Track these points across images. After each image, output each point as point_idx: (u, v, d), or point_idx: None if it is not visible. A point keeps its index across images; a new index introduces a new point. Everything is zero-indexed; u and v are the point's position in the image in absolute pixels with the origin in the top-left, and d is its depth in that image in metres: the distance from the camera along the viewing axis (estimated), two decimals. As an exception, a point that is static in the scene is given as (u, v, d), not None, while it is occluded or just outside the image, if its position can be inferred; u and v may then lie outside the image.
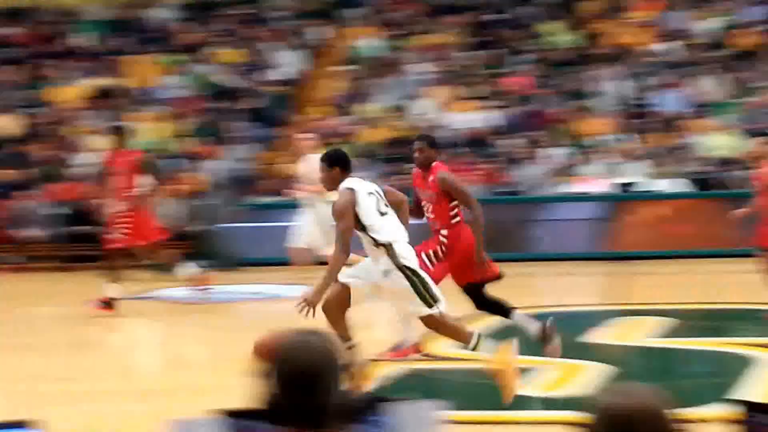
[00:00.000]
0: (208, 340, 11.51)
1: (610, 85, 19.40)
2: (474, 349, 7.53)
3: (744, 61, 19.23)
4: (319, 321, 7.06)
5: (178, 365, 10.36)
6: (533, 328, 8.62)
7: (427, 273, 7.74)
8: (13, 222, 17.98)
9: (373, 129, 19.23)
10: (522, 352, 7.62)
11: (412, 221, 8.10)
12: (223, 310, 13.40)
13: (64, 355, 10.71)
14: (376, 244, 7.43)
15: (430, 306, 7.39)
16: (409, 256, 7.48)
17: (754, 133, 14.52)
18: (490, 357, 7.41)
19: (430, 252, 8.51)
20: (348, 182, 7.54)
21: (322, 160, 7.79)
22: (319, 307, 7.37)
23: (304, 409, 2.44)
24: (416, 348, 8.96)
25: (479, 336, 7.56)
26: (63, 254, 17.66)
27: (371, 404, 2.96)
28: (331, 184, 7.69)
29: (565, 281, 15.82)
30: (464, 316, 8.84)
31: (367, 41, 21.55)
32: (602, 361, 8.80)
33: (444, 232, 8.60)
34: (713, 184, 17.36)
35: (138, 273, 14.26)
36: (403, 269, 7.39)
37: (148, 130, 19.29)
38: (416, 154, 8.82)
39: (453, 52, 20.78)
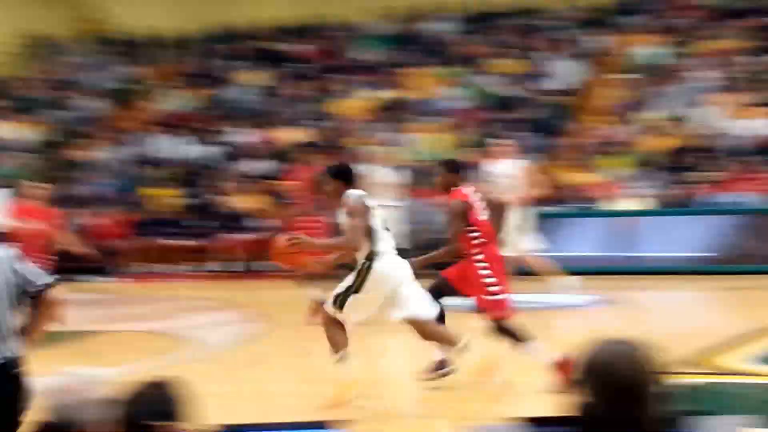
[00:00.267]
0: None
1: None
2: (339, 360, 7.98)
3: None
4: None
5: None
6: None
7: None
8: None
9: (654, 137, 18.89)
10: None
11: None
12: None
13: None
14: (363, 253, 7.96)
15: (334, 304, 8.02)
16: (385, 273, 7.95)
17: None
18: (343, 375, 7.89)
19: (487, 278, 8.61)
20: (353, 192, 8.03)
21: (326, 172, 8.23)
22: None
23: (623, 419, 2.49)
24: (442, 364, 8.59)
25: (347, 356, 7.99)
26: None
27: (678, 418, 2.98)
28: (334, 195, 8.10)
29: None
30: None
31: (647, 48, 21.19)
32: None
33: (477, 256, 8.64)
34: None
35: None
36: (359, 274, 7.96)
37: (428, 141, 19.79)
38: (437, 179, 9.06)
39: (737, 58, 20.10)
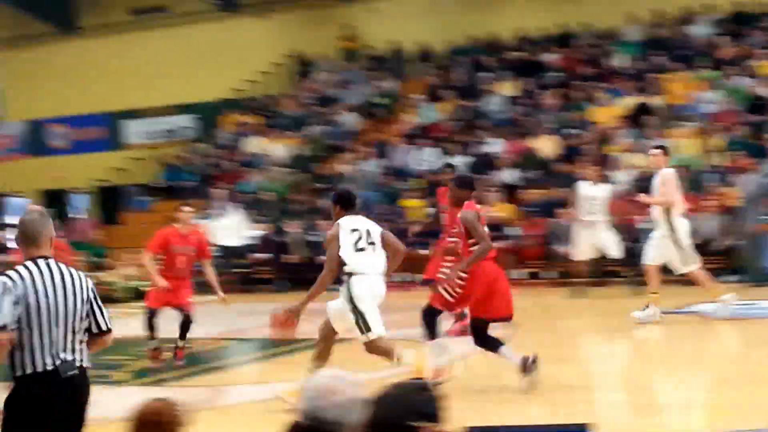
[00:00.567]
0: (734, 355, 11.31)
1: None
2: (399, 361, 8.95)
3: None
4: None
5: (697, 379, 10.25)
6: (515, 360, 9.32)
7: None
8: (553, 238, 18.73)
9: None
10: None
11: None
12: (751, 325, 13.04)
13: (599, 366, 11.04)
14: (343, 272, 8.92)
15: (362, 333, 9.04)
16: (363, 292, 8.91)
17: None
18: (411, 364, 8.85)
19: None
20: (343, 219, 9.03)
21: (331, 196, 9.52)
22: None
23: None
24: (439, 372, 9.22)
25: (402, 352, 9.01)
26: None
27: None
28: (334, 218, 9.19)
29: None
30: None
31: None
32: None
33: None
34: None
35: (674, 288, 14.34)
36: (350, 301, 8.95)
37: (684, 146, 19.29)
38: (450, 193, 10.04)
39: None
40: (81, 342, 5.31)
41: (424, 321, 10.06)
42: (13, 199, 30.13)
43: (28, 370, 5.07)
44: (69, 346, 5.23)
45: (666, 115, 20.89)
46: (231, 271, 20.66)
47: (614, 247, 16.40)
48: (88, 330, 5.35)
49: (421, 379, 2.82)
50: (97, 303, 5.38)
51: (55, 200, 28.06)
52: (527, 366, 9.31)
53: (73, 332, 5.26)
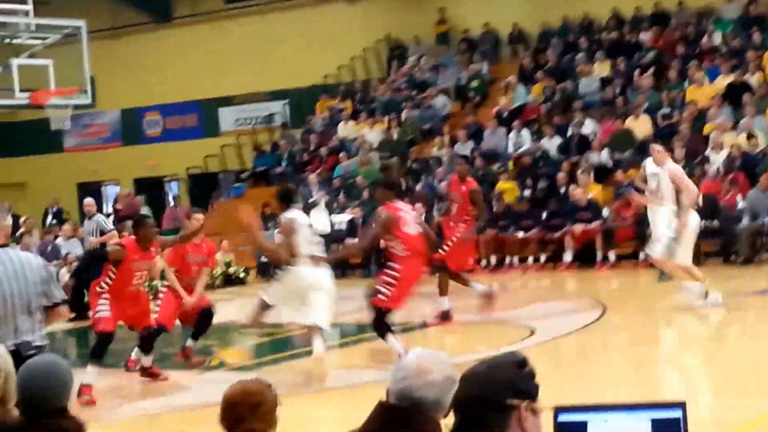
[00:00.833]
0: None
1: None
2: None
3: None
4: None
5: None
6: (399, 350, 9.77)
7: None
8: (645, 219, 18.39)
9: None
10: None
11: None
12: None
13: (689, 346, 10.85)
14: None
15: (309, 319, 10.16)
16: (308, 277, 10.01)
17: None
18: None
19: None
20: (291, 212, 10.13)
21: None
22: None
23: None
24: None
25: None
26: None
27: None
28: (278, 212, 10.48)
29: None
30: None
31: None
32: None
33: (394, 264, 10.34)
34: None
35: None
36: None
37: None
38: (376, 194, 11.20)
39: None
40: (39, 322, 5.92)
41: (377, 324, 10.42)
42: (109, 187, 30.77)
43: None
44: (28, 327, 5.79)
45: (763, 93, 20.37)
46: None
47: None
48: (45, 306, 5.96)
49: (517, 354, 2.74)
50: (49, 279, 6.06)
51: (149, 188, 28.52)
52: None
53: (30, 314, 5.81)
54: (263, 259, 21.47)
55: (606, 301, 13.79)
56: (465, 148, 22.65)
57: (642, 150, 20.37)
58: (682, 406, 3.01)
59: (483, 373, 2.91)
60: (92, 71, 18.17)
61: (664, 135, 20.34)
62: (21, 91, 17.34)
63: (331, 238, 21.05)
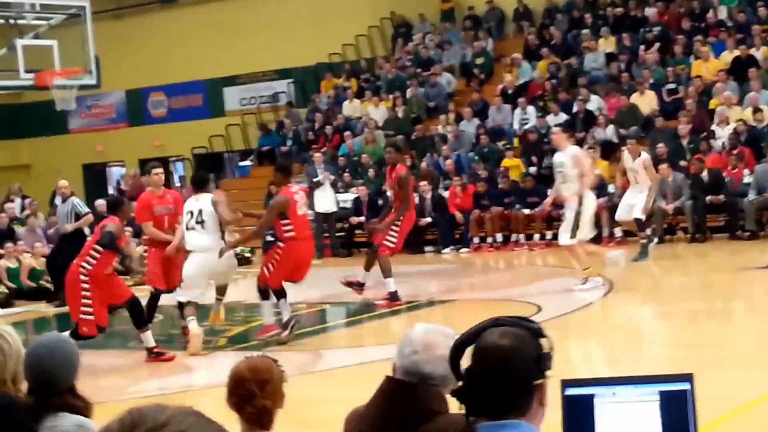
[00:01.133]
0: None
1: None
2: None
3: None
4: None
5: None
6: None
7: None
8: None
9: None
10: None
11: None
12: None
13: (698, 322, 10.85)
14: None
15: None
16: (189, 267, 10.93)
17: None
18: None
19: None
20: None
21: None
22: None
23: None
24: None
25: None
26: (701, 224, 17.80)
27: None
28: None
29: None
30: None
31: None
32: None
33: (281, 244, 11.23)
34: None
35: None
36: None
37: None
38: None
39: None
40: None
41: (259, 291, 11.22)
42: (115, 168, 30.78)
43: None
44: None
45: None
46: (329, 235, 20.81)
47: (638, 209, 15.90)
48: None
49: (532, 322, 2.66)
50: None
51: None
52: (290, 325, 10.86)
53: None
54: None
55: (612, 278, 13.79)
56: (470, 125, 22.61)
57: (648, 126, 20.36)
58: (690, 378, 3.01)
59: (508, 350, 2.74)
60: (97, 52, 18.14)
61: (670, 110, 20.31)
62: (26, 72, 17.33)
63: (337, 217, 21.10)
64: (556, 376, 2.78)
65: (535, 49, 24.18)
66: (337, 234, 21.03)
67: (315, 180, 20.59)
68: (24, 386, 4.14)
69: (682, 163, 18.62)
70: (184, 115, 29.57)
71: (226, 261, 11.20)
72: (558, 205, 14.45)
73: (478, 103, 23.30)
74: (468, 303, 13.19)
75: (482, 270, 17.26)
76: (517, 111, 22.25)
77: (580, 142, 20.03)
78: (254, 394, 4.12)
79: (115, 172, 30.77)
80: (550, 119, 21.47)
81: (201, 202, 10.99)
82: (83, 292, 10.27)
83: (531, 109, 22.09)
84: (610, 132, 20.50)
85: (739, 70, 20.35)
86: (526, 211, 19.39)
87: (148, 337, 10.66)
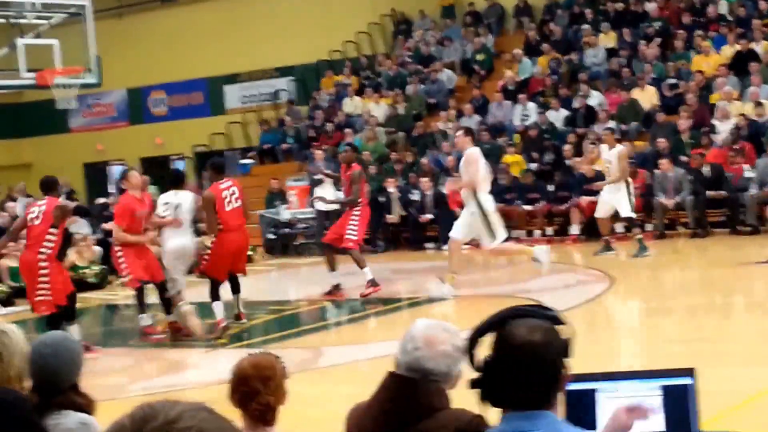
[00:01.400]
0: None
1: None
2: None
3: None
4: None
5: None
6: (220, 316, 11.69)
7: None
8: (652, 189, 18.38)
9: None
10: None
11: None
12: None
13: (698, 317, 10.85)
14: None
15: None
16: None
17: None
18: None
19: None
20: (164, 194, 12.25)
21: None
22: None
23: None
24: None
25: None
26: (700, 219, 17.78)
27: None
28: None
29: None
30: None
31: None
32: None
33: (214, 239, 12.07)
34: None
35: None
36: None
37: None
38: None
39: None
40: None
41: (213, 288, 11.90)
42: (115, 167, 30.77)
43: None
44: None
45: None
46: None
47: (625, 208, 16.01)
48: None
49: (549, 308, 2.61)
50: None
51: (156, 167, 28.51)
52: (225, 328, 11.52)
53: None
54: (270, 236, 21.51)
55: (613, 273, 13.79)
56: (471, 121, 22.59)
57: (648, 121, 20.35)
58: (692, 372, 3.02)
59: (540, 346, 2.76)
60: (97, 50, 18.14)
61: (671, 105, 20.30)
62: (27, 71, 17.33)
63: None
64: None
65: (535, 44, 24.16)
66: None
67: (316, 178, 20.57)
68: (28, 384, 4.15)
69: (683, 158, 18.62)
70: (185, 114, 29.56)
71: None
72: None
73: (479, 99, 23.29)
74: (469, 299, 13.19)
75: (483, 266, 17.25)
76: (518, 107, 22.25)
77: (581, 138, 20.06)
78: (258, 390, 4.13)
79: (115, 171, 30.76)
80: (551, 115, 21.48)
81: (179, 198, 12.03)
82: (41, 278, 10.87)
83: (532, 105, 22.09)
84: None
85: (739, 65, 20.33)
86: (527, 207, 19.40)
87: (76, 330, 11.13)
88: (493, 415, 2.94)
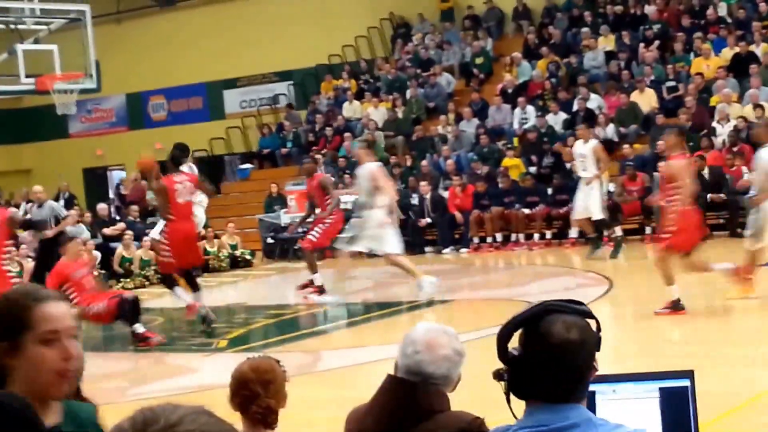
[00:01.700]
0: None
1: None
2: None
3: None
4: None
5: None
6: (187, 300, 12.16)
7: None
8: (651, 192, 18.37)
9: None
10: None
11: None
12: None
13: (697, 319, 10.86)
14: None
15: None
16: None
17: None
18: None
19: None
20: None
21: None
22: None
23: None
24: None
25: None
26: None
27: None
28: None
29: None
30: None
31: None
32: None
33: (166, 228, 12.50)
34: None
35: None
36: None
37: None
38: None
39: None
40: None
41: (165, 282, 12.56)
42: (115, 172, 30.78)
43: None
44: None
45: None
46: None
47: (596, 210, 16.14)
48: None
49: (577, 302, 2.62)
50: None
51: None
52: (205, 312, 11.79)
53: None
54: (269, 240, 21.52)
55: (612, 276, 13.79)
56: (470, 125, 22.62)
57: (648, 123, 20.36)
58: (690, 375, 3.03)
59: (577, 344, 2.75)
60: (97, 56, 18.17)
61: (670, 108, 20.31)
62: (26, 76, 17.35)
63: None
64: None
65: (534, 48, 24.19)
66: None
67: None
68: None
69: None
70: (185, 118, 29.59)
71: None
72: None
73: (478, 102, 23.31)
74: (468, 302, 13.20)
75: (482, 270, 17.27)
76: (517, 110, 22.26)
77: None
78: (258, 394, 4.13)
79: (115, 176, 30.78)
80: (550, 118, 21.49)
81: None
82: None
83: (531, 108, 22.10)
84: (610, 131, 20.51)
85: (739, 67, 20.35)
86: (526, 211, 19.41)
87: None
88: (492, 416, 2.94)
